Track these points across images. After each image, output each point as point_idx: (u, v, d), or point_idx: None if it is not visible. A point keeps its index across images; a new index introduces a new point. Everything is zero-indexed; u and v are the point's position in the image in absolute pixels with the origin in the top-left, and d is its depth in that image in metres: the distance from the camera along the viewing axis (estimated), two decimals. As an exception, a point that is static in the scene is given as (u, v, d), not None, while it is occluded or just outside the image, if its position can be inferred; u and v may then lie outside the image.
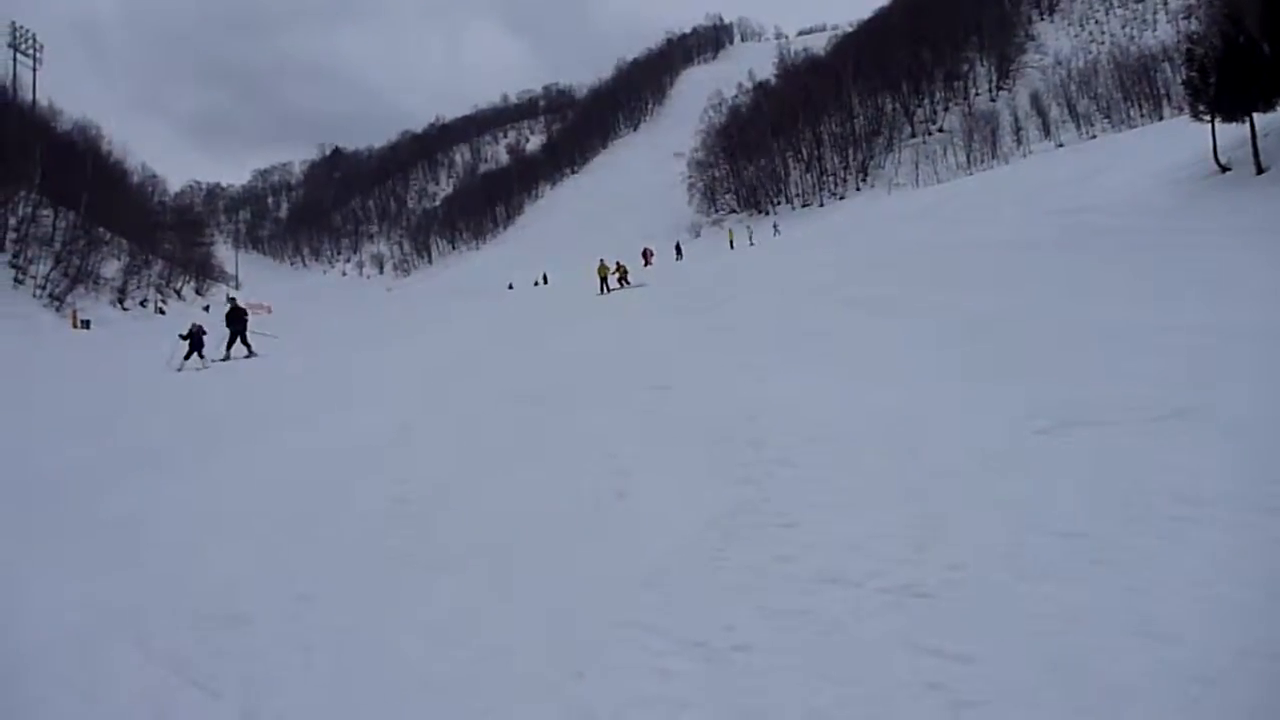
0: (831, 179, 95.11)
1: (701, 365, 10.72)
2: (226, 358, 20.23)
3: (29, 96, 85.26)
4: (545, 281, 62.09)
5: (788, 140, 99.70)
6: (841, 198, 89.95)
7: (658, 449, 7.08)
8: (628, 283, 30.84)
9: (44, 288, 64.83)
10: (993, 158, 77.10)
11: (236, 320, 22.29)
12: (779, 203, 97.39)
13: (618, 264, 32.22)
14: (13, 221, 66.50)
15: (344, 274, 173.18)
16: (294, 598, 4.78)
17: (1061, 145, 64.79)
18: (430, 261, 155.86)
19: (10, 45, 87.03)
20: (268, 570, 5.29)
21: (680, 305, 18.88)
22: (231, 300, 25.17)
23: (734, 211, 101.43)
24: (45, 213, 70.43)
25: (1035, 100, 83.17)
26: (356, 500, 6.80)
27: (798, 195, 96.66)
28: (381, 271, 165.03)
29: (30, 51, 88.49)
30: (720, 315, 15.64)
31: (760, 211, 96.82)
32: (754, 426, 7.12)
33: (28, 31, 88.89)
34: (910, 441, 6.02)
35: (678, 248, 64.94)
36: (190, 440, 10.09)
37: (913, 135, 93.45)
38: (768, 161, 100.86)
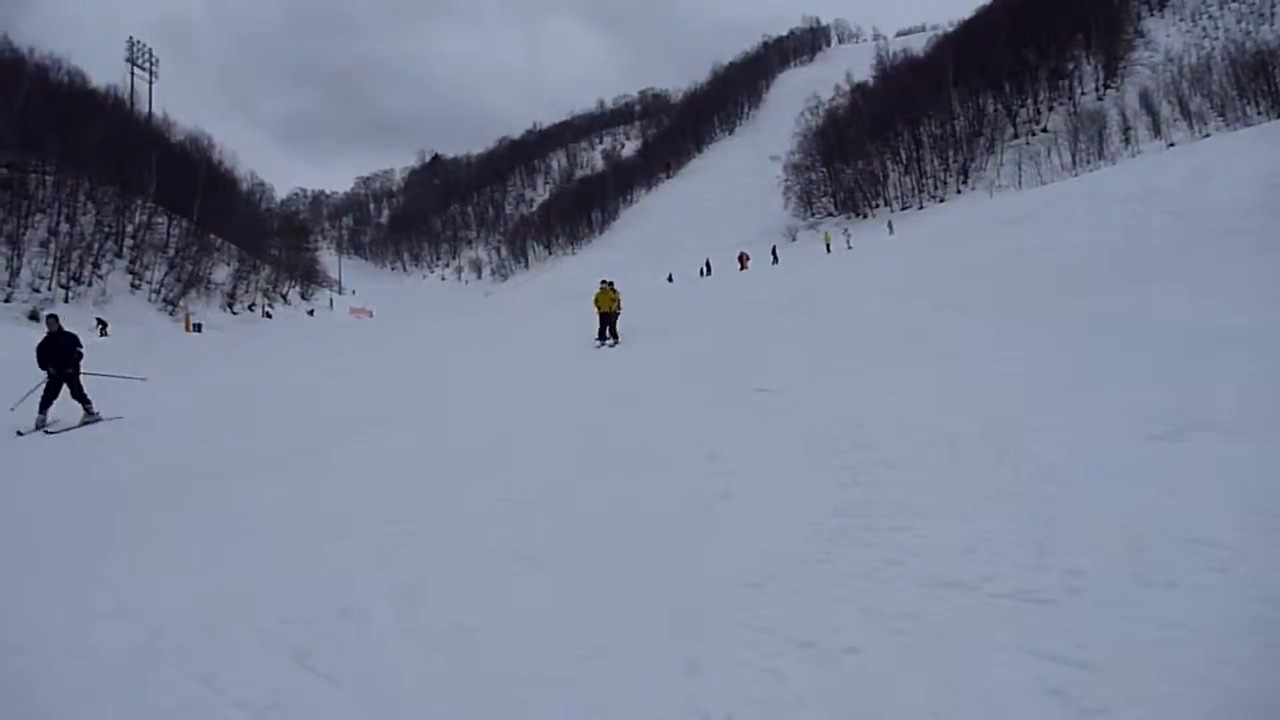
0: (931, 181, 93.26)
1: (802, 368, 10.60)
2: (42, 420, 12.55)
3: (145, 109, 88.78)
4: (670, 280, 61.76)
5: (886, 142, 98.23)
6: (941, 200, 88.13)
7: (762, 451, 7.03)
8: (610, 333, 18.68)
9: (159, 292, 67.43)
10: (1099, 158, 74.69)
11: (59, 355, 13.03)
12: (877, 206, 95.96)
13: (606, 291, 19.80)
14: (130, 229, 69.32)
15: (443, 279, 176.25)
16: (407, 593, 4.85)
17: (1173, 145, 62.46)
18: (527, 266, 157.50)
19: (128, 60, 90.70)
20: (380, 567, 5.37)
21: (779, 308, 18.71)
22: (52, 320, 13.64)
23: (830, 215, 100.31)
24: (160, 220, 73.25)
25: (1145, 99, 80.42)
26: (460, 500, 6.87)
27: (896, 198, 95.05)
28: (479, 276, 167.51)
29: (146, 65, 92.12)
30: (818, 319, 15.48)
31: (858, 215, 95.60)
32: (859, 429, 7.05)
33: (144, 46, 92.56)
34: (1020, 446, 5.89)
35: (773, 252, 64.47)
36: (299, 442, 10.29)
37: (1015, 136, 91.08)
38: (865, 164, 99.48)
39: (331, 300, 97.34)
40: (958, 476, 5.50)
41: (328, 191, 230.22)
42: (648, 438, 8.29)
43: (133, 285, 66.33)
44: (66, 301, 57.49)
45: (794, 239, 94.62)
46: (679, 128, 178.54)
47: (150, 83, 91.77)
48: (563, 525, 5.89)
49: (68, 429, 12.72)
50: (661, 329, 18.55)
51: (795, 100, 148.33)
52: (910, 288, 16.92)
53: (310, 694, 3.81)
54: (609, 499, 6.34)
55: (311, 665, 4.05)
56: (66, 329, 13.93)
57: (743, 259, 60.50)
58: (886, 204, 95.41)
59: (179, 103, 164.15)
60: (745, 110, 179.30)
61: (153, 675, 4.12)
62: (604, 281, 20.74)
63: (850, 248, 55.68)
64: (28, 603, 5.33)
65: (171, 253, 71.62)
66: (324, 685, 3.88)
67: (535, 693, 3.66)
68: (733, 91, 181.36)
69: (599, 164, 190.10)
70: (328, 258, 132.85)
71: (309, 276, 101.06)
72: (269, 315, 78.58)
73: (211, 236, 78.01)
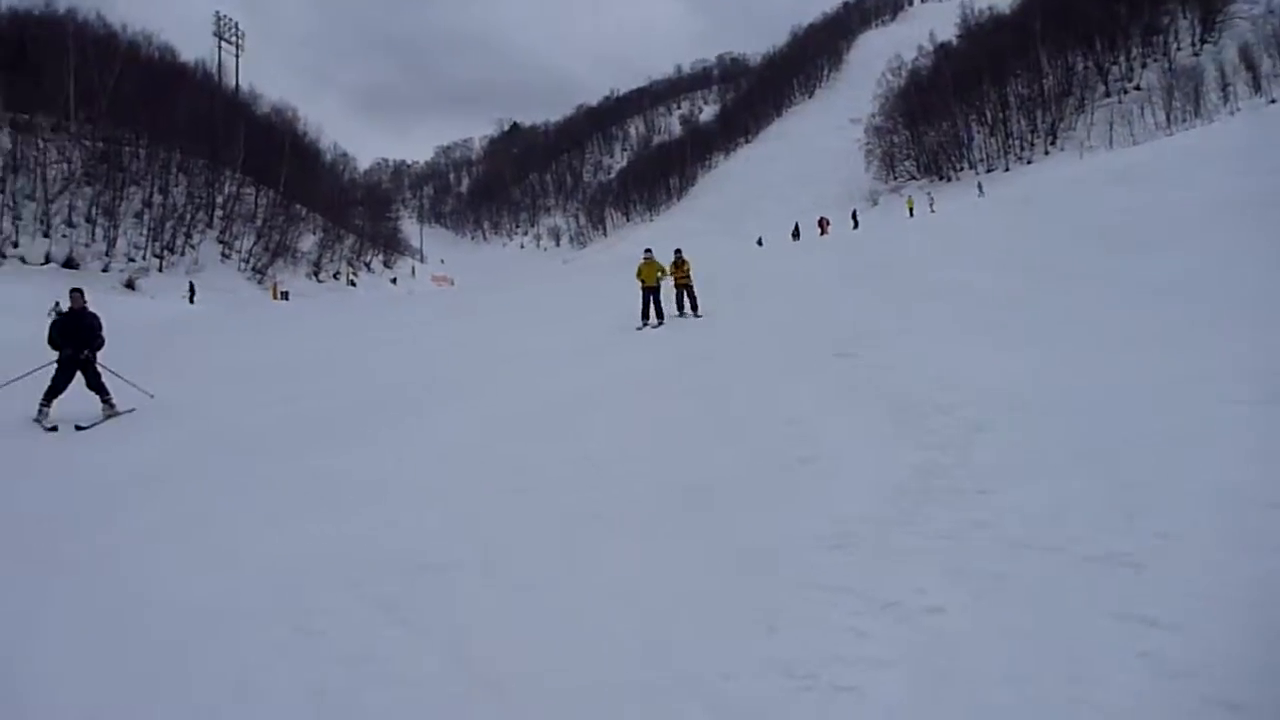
0: (1018, 143, 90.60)
1: (883, 333, 10.47)
2: (44, 411, 10.58)
3: (232, 82, 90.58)
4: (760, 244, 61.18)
5: (971, 103, 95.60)
6: (1029, 162, 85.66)
7: (844, 415, 7.04)
8: (689, 305, 17.05)
9: (247, 261, 69.07)
10: (1195, 116, 71.89)
11: (80, 335, 11.12)
12: (961, 168, 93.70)
13: (678, 259, 17.81)
14: (220, 200, 71.00)
15: (521, 247, 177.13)
16: (486, 551, 4.97)
17: (1275, 101, 59.87)
18: (605, 233, 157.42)
19: (215, 34, 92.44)
20: (460, 526, 5.50)
21: (859, 273, 18.50)
22: (76, 294, 11.64)
23: (914, 178, 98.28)
24: (248, 191, 74.82)
25: (1244, 53, 77.01)
26: (539, 462, 6.97)
27: (981, 160, 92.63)
28: (558, 244, 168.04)
29: (233, 39, 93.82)
30: (898, 284, 15.25)
31: (941, 178, 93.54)
32: (943, 393, 7.00)
33: (230, 20, 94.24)
34: (1111, 409, 5.77)
35: (854, 216, 63.33)
36: (383, 407, 10.51)
37: (1106, 95, 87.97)
38: (950, 126, 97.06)
39: (413, 268, 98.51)
40: (1048, 440, 5.43)
41: (409, 161, 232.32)
42: (726, 402, 8.32)
43: (223, 255, 68.04)
44: (161, 270, 59.25)
45: (875, 203, 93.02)
46: (757, 92, 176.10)
47: (236, 56, 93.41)
48: (641, 488, 5.96)
49: (93, 425, 10.51)
50: (741, 294, 18.43)
51: (876, 61, 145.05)
52: (994, 252, 16.57)
53: (398, 645, 3.92)
54: (687, 463, 6.39)
55: (399, 618, 4.18)
56: (91, 308, 11.73)
57: (822, 224, 59.70)
58: (971, 166, 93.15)
59: (263, 75, 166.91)
60: (825, 73, 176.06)
61: (251, 625, 4.27)
62: (646, 251, 18.34)
63: (933, 211, 54.65)
64: (139, 548, 5.58)
65: (259, 222, 73.21)
66: (411, 637, 3.99)
67: (614, 649, 3.71)
68: (812, 54, 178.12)
69: (676, 130, 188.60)
70: (409, 227, 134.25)
71: (391, 245, 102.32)
72: (353, 284, 79.94)
73: (297, 207, 79.44)
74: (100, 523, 6.26)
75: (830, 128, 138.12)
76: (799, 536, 4.58)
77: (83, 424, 10.65)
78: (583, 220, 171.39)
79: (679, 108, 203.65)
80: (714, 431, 7.20)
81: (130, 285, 54.07)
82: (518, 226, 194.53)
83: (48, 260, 52.89)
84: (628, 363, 11.81)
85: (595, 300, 20.27)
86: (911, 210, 59.05)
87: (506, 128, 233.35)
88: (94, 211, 58.45)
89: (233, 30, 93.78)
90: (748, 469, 6.01)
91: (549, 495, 6.03)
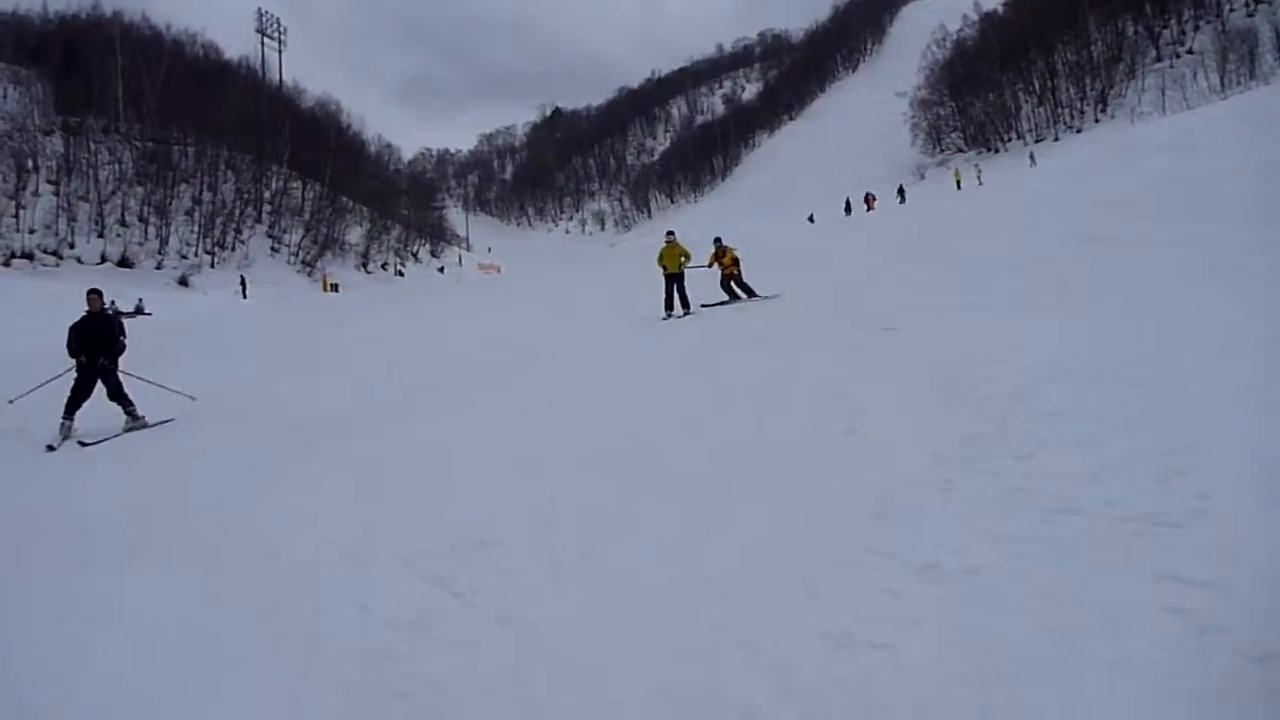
0: (1067, 111, 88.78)
1: (928, 306, 10.41)
2: (68, 427, 9.90)
3: (275, 77, 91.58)
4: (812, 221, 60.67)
5: (1018, 73, 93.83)
6: (1078, 131, 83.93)
7: (887, 387, 7.06)
8: (738, 289, 16.05)
9: (296, 254, 70.02)
10: (1250, 79, 69.93)
11: (95, 340, 10.34)
12: (1009, 139, 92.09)
13: (719, 247, 16.65)
14: (268, 195, 72.02)
15: (567, 232, 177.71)
16: (538, 525, 5.12)
17: (1333, 59, 58.16)
18: (650, 216, 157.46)
19: (258, 30, 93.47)
20: (513, 502, 5.65)
21: (905, 247, 18.38)
22: (94, 296, 10.76)
23: (960, 150, 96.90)
24: (295, 185, 75.77)
25: (1301, 12, 74.91)
26: (590, 438, 7.18)
27: (1030, 130, 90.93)
28: (603, 228, 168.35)
29: (275, 35, 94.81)
30: (943, 258, 15.13)
31: (989, 149, 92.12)
32: (986, 365, 6.95)
33: (272, 16, 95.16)
34: (1156, 377, 5.77)
35: (900, 191, 62.74)
36: (437, 389, 10.91)
37: (1158, 59, 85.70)
38: (996, 96, 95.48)
39: (460, 257, 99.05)
40: (1088, 408, 5.41)
41: (452, 150, 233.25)
42: (774, 376, 8.38)
43: (272, 249, 69.02)
44: (213, 266, 60.24)
45: (922, 176, 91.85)
46: (800, 68, 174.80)
47: (279, 52, 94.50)
48: (690, 460, 6.06)
49: (106, 439, 9.85)
50: (786, 273, 18.32)
51: (921, 33, 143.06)
52: (1040, 223, 16.33)
53: (452, 615, 4.11)
54: (735, 436, 6.48)
55: (453, 590, 4.36)
56: (112, 309, 11.14)
57: (868, 199, 59.39)
58: (1019, 137, 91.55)
59: (306, 69, 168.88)
60: (868, 47, 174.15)
61: (310, 600, 4.49)
62: (668, 234, 16.83)
63: (981, 183, 54.00)
64: (195, 539, 5.84)
65: (307, 216, 74.14)
66: (463, 608, 4.17)
67: (659, 615, 3.83)
68: (854, 27, 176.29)
69: (719, 109, 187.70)
70: (455, 216, 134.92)
71: (437, 235, 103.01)
72: (401, 274, 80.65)
73: (344, 199, 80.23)
74: (173, 512, 6.63)
75: (874, 102, 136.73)
76: (841, 504, 4.66)
77: (87, 440, 9.77)
78: (627, 204, 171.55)
79: (721, 87, 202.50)
80: (762, 405, 7.28)
81: (184, 282, 55.03)
82: (562, 212, 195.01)
83: (103, 260, 54.01)
84: (675, 341, 11.93)
85: (641, 284, 20.15)
86: (959, 183, 58.49)
87: (549, 113, 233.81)
88: (146, 210, 59.57)
89: (274, 26, 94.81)
90: (794, 441, 6.08)
91: (599, 471, 6.17)
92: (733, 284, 16.21)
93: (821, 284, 15.38)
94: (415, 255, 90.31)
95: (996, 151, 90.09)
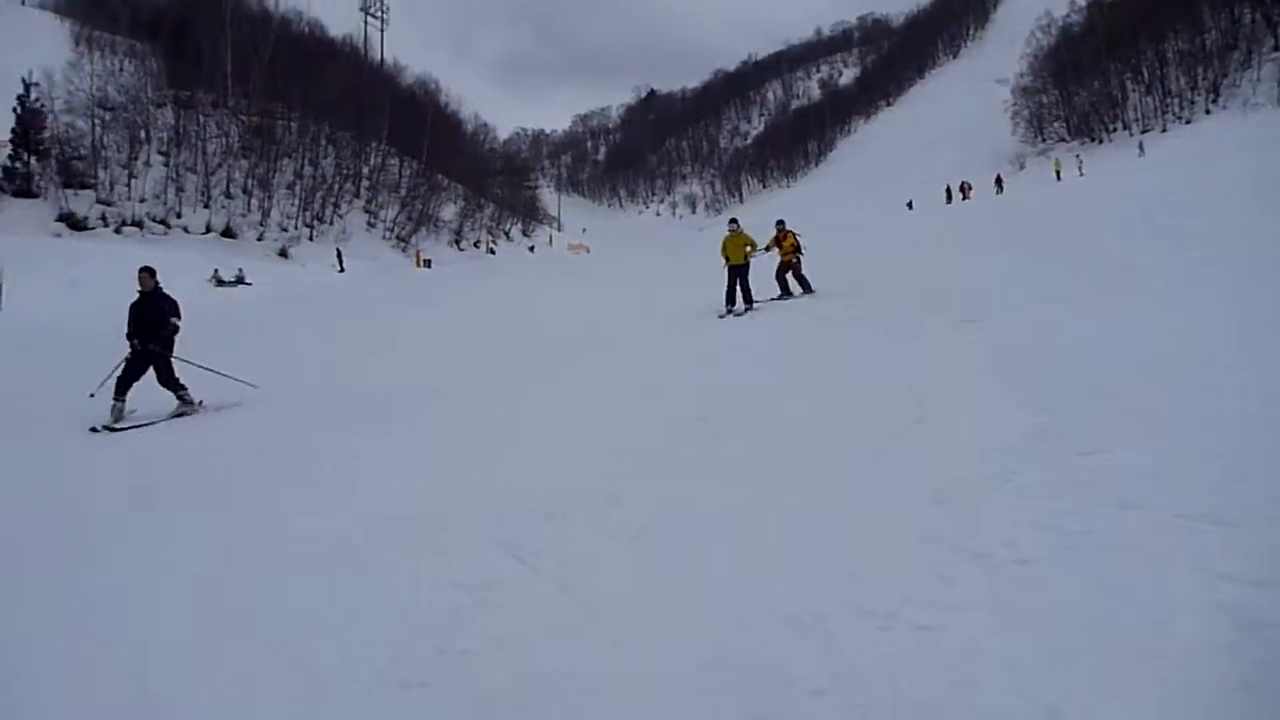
0: (1176, 101, 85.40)
1: (1013, 298, 10.33)
2: (119, 409, 9.81)
3: (377, 56, 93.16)
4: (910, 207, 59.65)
5: (1126, 61, 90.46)
6: (1188, 122, 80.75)
7: (962, 379, 7.10)
8: (796, 281, 14.93)
9: (392, 230, 71.34)
10: (1377, 68, 66.67)
11: (146, 323, 10.03)
12: (1114, 129, 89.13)
13: (780, 232, 15.43)
14: (366, 171, 73.45)
15: (657, 214, 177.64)
16: (604, 501, 5.31)
17: None
18: (741, 200, 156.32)
19: (361, 9, 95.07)
20: (580, 478, 5.88)
21: (996, 238, 18.13)
22: (146, 275, 10.39)
23: (1063, 140, 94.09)
24: (392, 162, 77.16)
25: None
26: (659, 419, 7.37)
27: (1136, 120, 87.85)
28: (693, 211, 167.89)
29: (378, 14, 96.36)
30: (1036, 249, 14.89)
31: (1093, 139, 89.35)
32: (1065, 359, 6.96)
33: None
34: (1229, 378, 5.71)
35: (998, 180, 61.39)
36: (515, 368, 11.22)
37: (1276, 48, 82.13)
38: (1102, 85, 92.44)
39: (550, 237, 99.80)
40: (1159, 406, 5.40)
41: (547, 130, 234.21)
42: (847, 366, 8.43)
43: (369, 224, 70.42)
44: (311, 239, 61.71)
45: (1022, 166, 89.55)
46: (899, 53, 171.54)
47: (381, 30, 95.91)
48: (754, 445, 6.18)
49: (146, 424, 9.61)
50: (873, 261, 18.17)
51: (1025, 19, 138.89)
52: (1141, 216, 15.91)
53: (516, 580, 4.34)
54: (801, 424, 6.57)
55: (519, 557, 4.58)
56: (166, 290, 10.34)
57: (964, 188, 58.25)
58: (1125, 127, 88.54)
59: (406, 48, 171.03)
60: (970, 32, 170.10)
61: (386, 562, 4.74)
62: (731, 222, 15.56)
63: (1082, 174, 52.59)
64: (294, 507, 6.18)
65: (403, 192, 75.45)
66: (528, 574, 4.39)
67: (712, 587, 3.98)
68: (958, 13, 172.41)
69: (815, 94, 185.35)
70: (547, 195, 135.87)
71: (529, 214, 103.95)
72: (492, 251, 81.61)
73: (439, 176, 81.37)
74: (263, 475, 7.07)
75: (975, 89, 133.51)
76: (902, 492, 4.73)
77: (116, 425, 9.54)
78: (718, 187, 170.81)
79: (818, 71, 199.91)
80: (830, 395, 7.32)
81: (284, 254, 56.50)
82: (654, 194, 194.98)
83: (208, 230, 55.73)
84: (747, 329, 11.95)
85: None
86: (1059, 173, 56.99)
87: (644, 95, 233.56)
88: (250, 183, 61.27)
89: (377, 5, 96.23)
90: (861, 429, 6.14)
91: (666, 449, 6.37)
92: (789, 276, 15.03)
93: (909, 273, 15.21)
94: (507, 234, 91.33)
95: (1100, 142, 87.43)
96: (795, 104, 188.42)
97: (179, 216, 55.49)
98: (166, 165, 57.18)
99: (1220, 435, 4.70)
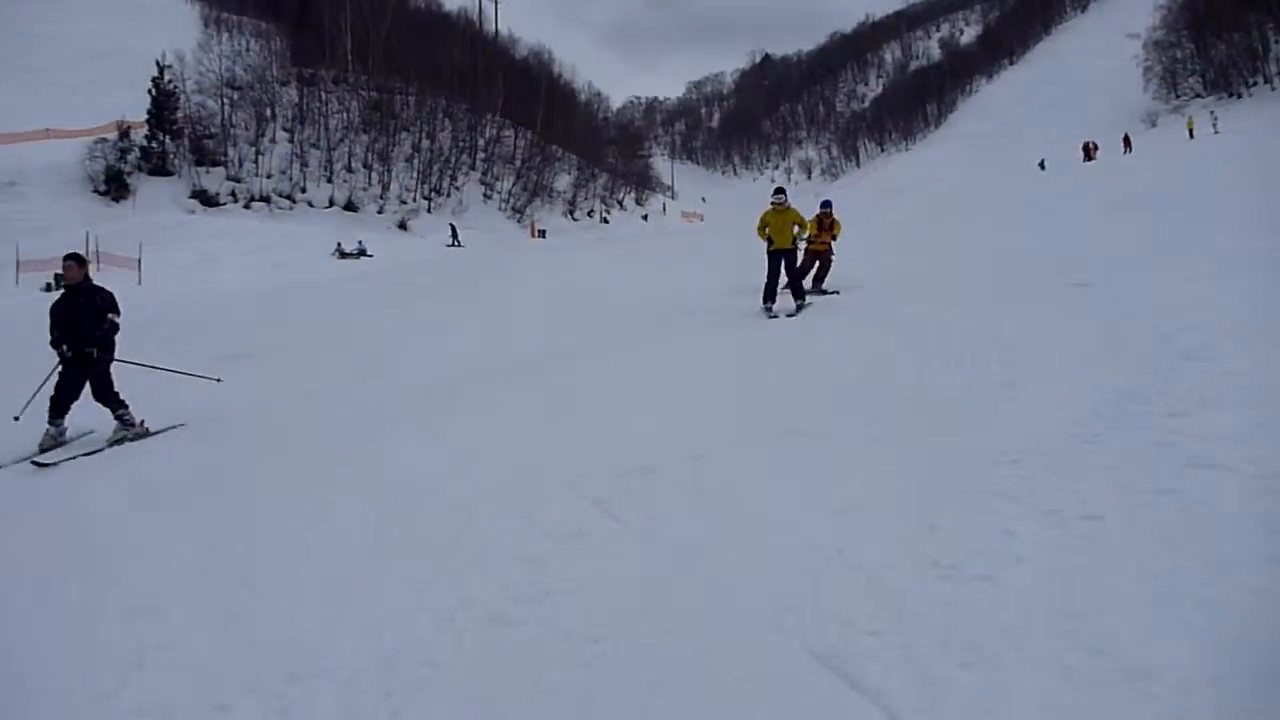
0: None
1: (1130, 262, 10.13)
2: (55, 434, 8.18)
3: (491, 28, 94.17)
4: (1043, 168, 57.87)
5: (1268, 10, 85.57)
6: (1337, 72, 76.25)
7: (1061, 341, 7.05)
8: (814, 280, 13.26)
9: (507, 201, 72.37)
10: None
11: (78, 324, 8.28)
12: (1254, 84, 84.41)
13: (824, 213, 13.83)
14: (482, 142, 74.57)
15: (771, 180, 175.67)
16: (690, 458, 5.52)
17: None
18: (858, 164, 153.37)
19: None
20: (674, 438, 6.06)
21: (1119, 200, 17.54)
22: (71, 263, 8.42)
23: (1198, 96, 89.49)
24: (507, 133, 78.10)
25: None
26: (751, 382, 7.62)
27: (1278, 74, 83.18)
28: (809, 177, 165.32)
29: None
30: (1159, 212, 14.33)
31: (1231, 95, 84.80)
32: (1168, 323, 6.85)
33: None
34: None
35: (1125, 139, 58.88)
36: (613, 333, 11.60)
37: None
38: (1242, 37, 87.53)
39: (664, 205, 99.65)
40: (1257, 370, 5.35)
41: (660, 98, 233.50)
42: (945, 329, 8.39)
43: (485, 195, 71.55)
44: (429, 211, 63.00)
45: (1154, 124, 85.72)
46: (1023, 9, 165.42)
47: (495, 3, 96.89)
48: (843, 407, 6.33)
49: (75, 456, 7.85)
50: (985, 220, 17.73)
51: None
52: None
53: (602, 530, 4.60)
54: (892, 387, 6.68)
55: (607, 510, 4.83)
56: (99, 284, 8.74)
57: (1088, 148, 56.09)
58: (1267, 81, 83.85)
59: (519, 19, 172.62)
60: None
61: (483, 511, 5.04)
62: (776, 193, 12.34)
63: (1217, 132, 50.07)
64: (401, 450, 6.69)
65: (518, 163, 76.39)
66: (614, 525, 4.64)
67: (785, 538, 4.16)
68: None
69: (935, 54, 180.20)
70: (660, 164, 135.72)
71: (643, 183, 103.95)
72: (605, 221, 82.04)
73: (553, 147, 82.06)
74: (373, 438, 7.40)
75: (1104, 45, 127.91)
76: (983, 450, 4.82)
77: (43, 460, 7.70)
78: (835, 152, 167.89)
79: (938, 30, 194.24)
80: (927, 358, 7.36)
81: (403, 226, 57.85)
82: (768, 160, 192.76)
83: (331, 204, 57.42)
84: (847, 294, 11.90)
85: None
86: (1191, 131, 54.35)
87: (758, 59, 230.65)
88: (370, 157, 62.86)
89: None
90: (953, 390, 6.24)
91: (756, 412, 6.57)
92: (818, 271, 13.40)
93: (1028, 234, 14.86)
94: (620, 203, 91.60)
95: (1239, 97, 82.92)
96: (914, 65, 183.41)
97: (304, 191, 57.30)
98: (291, 142, 59.09)
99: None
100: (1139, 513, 3.75)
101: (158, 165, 50.91)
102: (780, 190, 12.73)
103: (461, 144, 71.31)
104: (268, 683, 3.48)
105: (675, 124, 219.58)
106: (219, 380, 9.74)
